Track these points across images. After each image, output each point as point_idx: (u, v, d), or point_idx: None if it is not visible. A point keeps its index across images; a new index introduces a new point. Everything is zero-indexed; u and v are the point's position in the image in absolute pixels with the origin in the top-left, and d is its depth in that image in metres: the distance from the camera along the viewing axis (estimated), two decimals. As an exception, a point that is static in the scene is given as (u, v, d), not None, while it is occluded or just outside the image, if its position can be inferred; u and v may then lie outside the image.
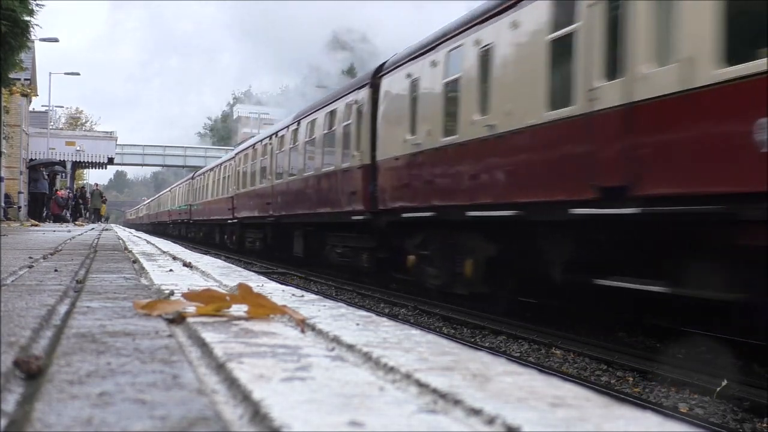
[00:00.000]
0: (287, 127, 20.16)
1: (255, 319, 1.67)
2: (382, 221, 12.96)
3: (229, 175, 28.40)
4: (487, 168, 9.51)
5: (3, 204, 26.85)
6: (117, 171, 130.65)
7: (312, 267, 18.33)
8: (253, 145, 24.55)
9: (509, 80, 9.07)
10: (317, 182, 16.69)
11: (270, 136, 22.09)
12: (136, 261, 4.18)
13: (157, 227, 58.34)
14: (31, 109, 40.25)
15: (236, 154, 27.71)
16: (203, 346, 1.32)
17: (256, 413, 0.85)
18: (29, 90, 32.64)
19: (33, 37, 13.86)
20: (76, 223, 25.74)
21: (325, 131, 16.30)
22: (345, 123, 14.95)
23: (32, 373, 1.06)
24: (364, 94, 14.00)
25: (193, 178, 40.45)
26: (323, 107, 17.01)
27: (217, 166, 32.54)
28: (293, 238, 19.37)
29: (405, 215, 11.81)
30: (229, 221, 27.68)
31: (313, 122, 17.59)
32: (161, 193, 63.66)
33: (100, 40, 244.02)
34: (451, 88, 10.71)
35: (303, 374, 1.06)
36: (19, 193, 32.37)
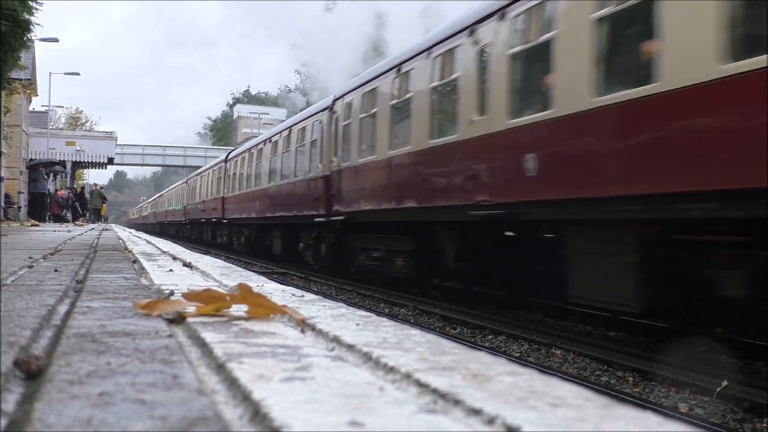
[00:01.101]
0: None
1: (255, 319, 1.67)
2: None
3: (316, 139, 16.28)
4: None
5: (3, 204, 26.85)
6: (117, 171, 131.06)
7: (312, 267, 17.77)
8: (429, 47, 10.74)
9: None
10: None
11: (482, 19, 9.21)
12: (136, 261, 4.18)
13: (167, 229, 49.31)
14: (31, 109, 40.31)
15: (355, 88, 14.09)
16: (203, 346, 1.31)
17: (256, 413, 0.85)
18: (29, 90, 32.66)
19: (33, 36, 13.89)
20: (76, 223, 25.74)
21: None
22: None
23: (32, 373, 1.06)
24: None
25: (227, 160, 28.51)
26: None
27: (287, 128, 19.71)
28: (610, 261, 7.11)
29: None
30: (316, 219, 15.70)
31: None
32: (174, 185, 50.94)
33: (103, 40, 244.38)
34: None
35: (303, 374, 1.06)
36: (19, 193, 32.39)
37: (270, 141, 21.23)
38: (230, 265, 4.11)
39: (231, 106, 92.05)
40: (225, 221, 27.67)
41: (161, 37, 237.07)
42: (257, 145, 23.18)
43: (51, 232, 11.01)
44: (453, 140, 9.71)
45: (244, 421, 0.84)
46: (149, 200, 76.59)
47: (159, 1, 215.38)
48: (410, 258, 11.93)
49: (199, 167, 43.30)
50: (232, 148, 33.88)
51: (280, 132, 20.31)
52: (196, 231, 36.85)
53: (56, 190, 36.37)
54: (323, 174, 15.40)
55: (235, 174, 26.15)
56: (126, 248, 6.02)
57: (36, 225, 16.72)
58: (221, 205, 28.05)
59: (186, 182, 41.15)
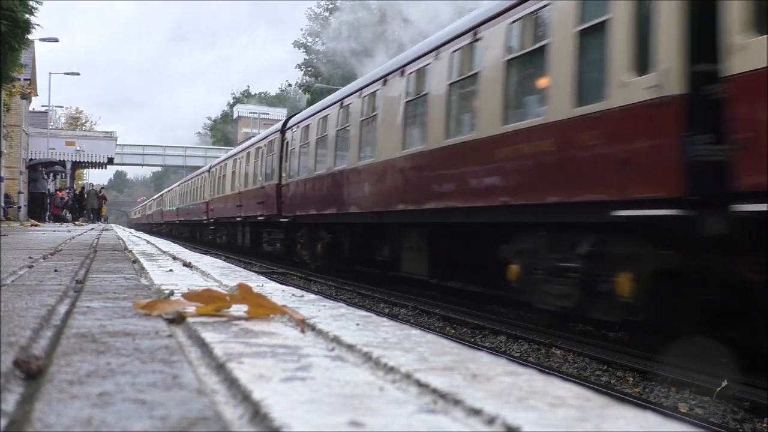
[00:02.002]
0: None
1: (255, 319, 1.67)
2: None
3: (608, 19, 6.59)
4: None
5: (3, 204, 26.85)
6: (117, 171, 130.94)
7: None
8: None
9: None
10: None
11: None
12: (136, 261, 4.18)
13: (179, 230, 42.29)
14: (31, 109, 40.31)
15: None
16: (203, 346, 1.31)
17: (256, 413, 0.85)
18: (29, 90, 32.64)
19: (33, 35, 13.90)
20: (76, 223, 25.74)
21: None
22: None
23: (32, 373, 1.06)
24: None
25: (284, 130, 19.54)
26: None
27: (448, 40, 10.18)
28: None
29: None
30: (620, 213, 6.46)
31: None
32: (189, 177, 41.31)
33: (103, 40, 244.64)
34: None
35: (303, 374, 1.06)
36: (19, 193, 32.39)
37: (403, 73, 11.77)
38: (230, 265, 4.11)
39: (231, 106, 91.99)
40: (283, 220, 18.40)
41: (161, 38, 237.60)
42: (361, 90, 13.77)
43: (51, 232, 11.00)
44: None
45: (244, 421, 0.84)
46: (154, 197, 71.57)
47: (160, 1, 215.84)
48: None
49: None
50: (291, 114, 21.82)
51: (422, 56, 11.14)
52: (223, 233, 27.87)
53: (56, 190, 36.37)
54: (671, 92, 5.94)
55: (306, 147, 16.94)
56: (126, 248, 6.01)
57: (36, 225, 16.72)
58: (275, 197, 19.12)
59: (209, 171, 31.84)
